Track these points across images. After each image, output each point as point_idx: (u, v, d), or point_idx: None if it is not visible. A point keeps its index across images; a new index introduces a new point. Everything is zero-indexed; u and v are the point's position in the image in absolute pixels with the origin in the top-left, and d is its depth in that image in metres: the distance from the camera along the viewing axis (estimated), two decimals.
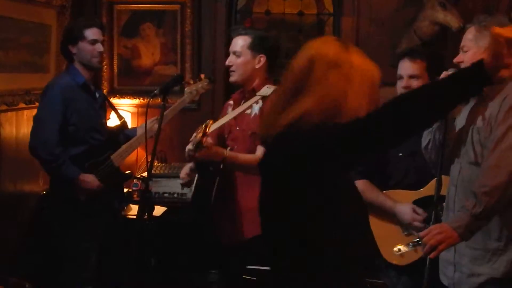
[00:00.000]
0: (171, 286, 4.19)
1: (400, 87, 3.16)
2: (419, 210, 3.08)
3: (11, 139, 3.92)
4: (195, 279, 4.43)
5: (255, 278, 2.72)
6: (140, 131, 3.77)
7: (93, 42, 3.64)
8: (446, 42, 4.57)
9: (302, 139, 1.83)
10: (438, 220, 2.69)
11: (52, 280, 4.12)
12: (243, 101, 3.33)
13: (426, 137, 2.82)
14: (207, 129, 2.99)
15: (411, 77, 3.15)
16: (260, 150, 3.20)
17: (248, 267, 2.80)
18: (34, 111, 4.17)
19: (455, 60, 2.65)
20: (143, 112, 3.46)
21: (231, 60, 3.36)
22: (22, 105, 3.97)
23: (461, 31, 4.37)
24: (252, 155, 3.25)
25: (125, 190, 4.14)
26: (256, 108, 3.28)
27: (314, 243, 1.88)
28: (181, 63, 4.94)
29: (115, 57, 4.98)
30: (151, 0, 4.97)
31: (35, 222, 4.21)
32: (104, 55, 4.92)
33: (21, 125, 4.02)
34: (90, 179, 3.58)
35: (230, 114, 3.34)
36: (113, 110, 3.93)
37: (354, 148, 1.79)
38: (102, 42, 3.71)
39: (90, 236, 3.66)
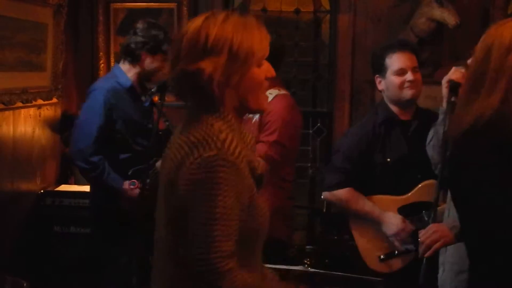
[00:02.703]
0: None
1: (403, 81, 3.03)
2: (407, 222, 3.00)
3: (8, 138, 3.91)
4: None
5: None
6: None
7: (165, 58, 3.48)
8: (442, 39, 4.57)
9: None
10: (435, 221, 2.67)
11: (49, 279, 4.12)
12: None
13: (430, 133, 2.75)
14: None
15: (415, 69, 3.05)
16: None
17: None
18: (31, 110, 4.18)
19: None
20: None
21: None
22: (19, 104, 3.96)
23: (458, 27, 4.38)
24: None
25: None
26: (256, 116, 3.21)
27: None
28: None
29: (112, 56, 4.97)
30: None
31: (32, 220, 4.21)
32: (100, 53, 4.91)
33: (18, 124, 4.02)
34: (133, 186, 3.43)
35: None
36: (159, 113, 3.66)
37: None
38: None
39: (131, 251, 3.47)
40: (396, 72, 3.04)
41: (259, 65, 1.81)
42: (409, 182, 3.06)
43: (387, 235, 3.04)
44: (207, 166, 1.67)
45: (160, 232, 1.84)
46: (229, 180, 1.67)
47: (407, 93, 3.05)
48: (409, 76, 3.02)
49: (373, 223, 3.08)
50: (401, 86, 3.04)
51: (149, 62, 3.53)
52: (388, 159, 3.08)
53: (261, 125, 3.22)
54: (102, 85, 3.52)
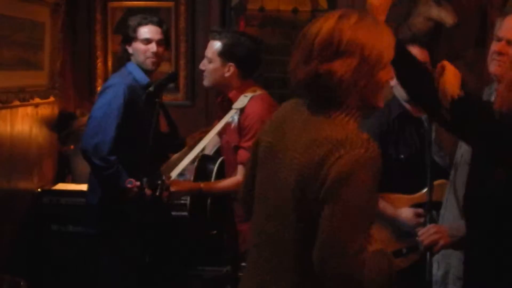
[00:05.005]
0: (166, 283, 4.19)
1: None
2: (421, 212, 2.99)
3: (5, 137, 3.91)
4: (191, 277, 4.44)
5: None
6: (189, 143, 3.57)
7: (147, 41, 3.40)
8: (438, 38, 4.57)
9: None
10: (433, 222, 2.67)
11: (47, 278, 4.13)
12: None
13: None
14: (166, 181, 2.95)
15: None
16: (240, 170, 3.09)
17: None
18: (29, 109, 4.17)
19: (497, 49, 2.47)
20: None
21: (203, 63, 3.24)
22: (16, 102, 3.96)
23: (456, 27, 4.38)
24: (231, 179, 3.18)
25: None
26: (235, 119, 3.18)
27: None
28: (175, 60, 4.93)
29: (109, 55, 4.97)
30: None
31: (30, 219, 4.21)
32: (98, 52, 4.87)
33: (15, 122, 4.01)
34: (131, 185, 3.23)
35: (210, 134, 3.26)
36: (165, 116, 3.63)
37: None
38: (160, 42, 3.45)
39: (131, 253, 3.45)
40: None
41: (384, 68, 1.85)
42: (422, 180, 3.05)
43: (409, 228, 3.02)
44: (359, 162, 1.75)
45: (278, 232, 1.85)
46: (375, 176, 1.79)
47: None
48: None
49: (385, 222, 3.08)
50: None
51: (133, 52, 3.47)
52: (402, 156, 3.12)
53: (240, 130, 3.19)
54: (120, 81, 3.42)
